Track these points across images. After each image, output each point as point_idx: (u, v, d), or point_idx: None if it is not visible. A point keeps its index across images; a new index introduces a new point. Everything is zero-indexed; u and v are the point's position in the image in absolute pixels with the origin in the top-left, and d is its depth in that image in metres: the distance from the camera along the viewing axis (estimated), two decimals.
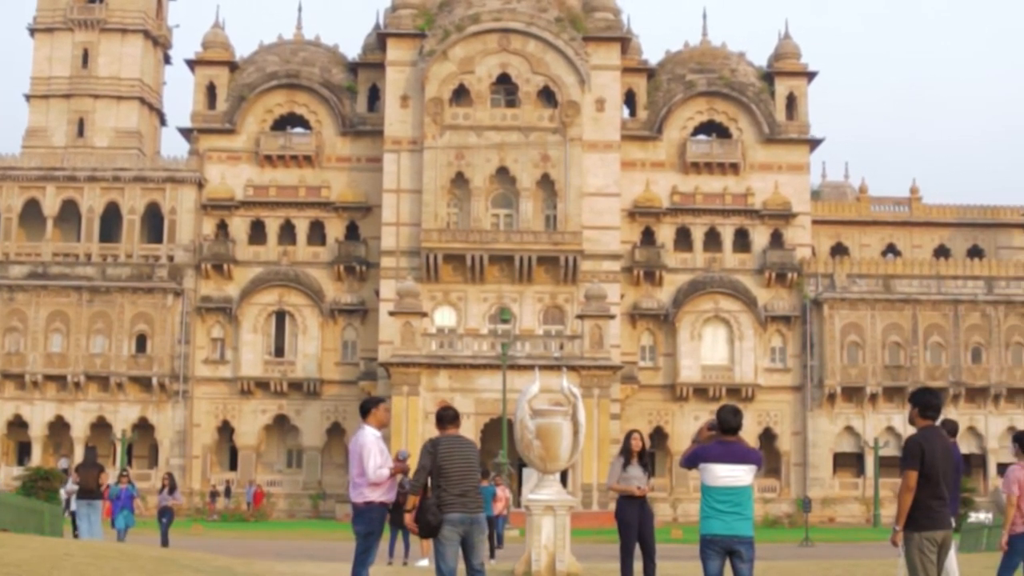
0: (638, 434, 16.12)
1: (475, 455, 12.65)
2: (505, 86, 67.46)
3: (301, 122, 71.47)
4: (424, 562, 26.47)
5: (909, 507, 10.69)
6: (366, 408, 13.54)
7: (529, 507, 17.23)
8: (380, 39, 69.23)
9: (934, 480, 10.73)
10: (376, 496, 13.22)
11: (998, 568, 13.40)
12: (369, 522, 13.26)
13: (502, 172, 66.33)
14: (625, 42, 69.13)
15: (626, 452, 15.86)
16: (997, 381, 68.21)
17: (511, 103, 67.34)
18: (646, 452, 16.02)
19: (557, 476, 17.54)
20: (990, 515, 51.66)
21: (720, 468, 11.29)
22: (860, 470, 68.40)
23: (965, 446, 66.72)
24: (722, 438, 11.51)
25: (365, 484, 13.16)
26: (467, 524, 12.37)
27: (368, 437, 13.22)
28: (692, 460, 11.55)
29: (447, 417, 12.75)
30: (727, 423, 11.49)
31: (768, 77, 71.88)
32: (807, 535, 46.34)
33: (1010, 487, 13.28)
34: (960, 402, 67.90)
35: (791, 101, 71.26)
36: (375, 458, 13.14)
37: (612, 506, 15.94)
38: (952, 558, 13.99)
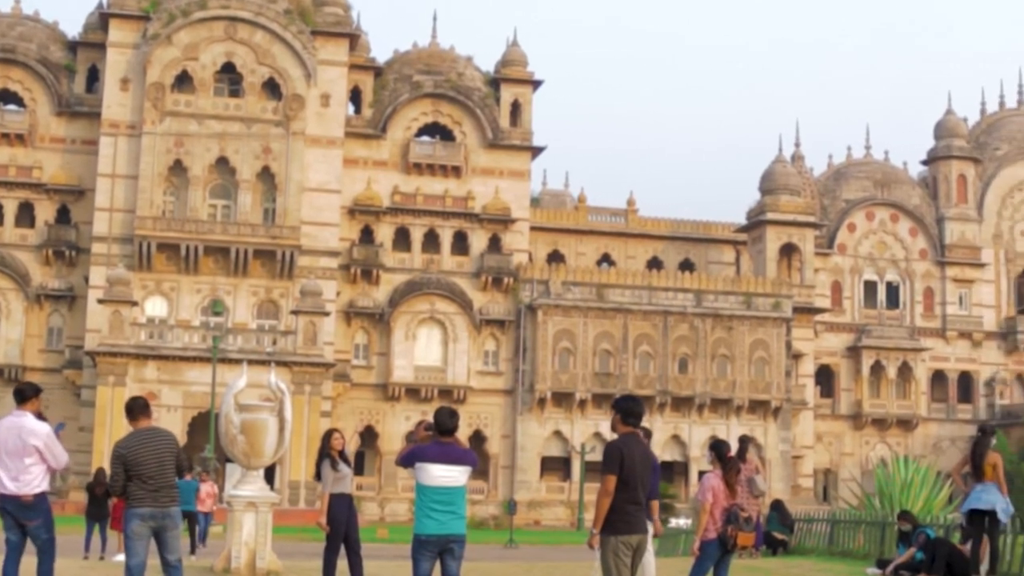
0: (339, 433, 16.18)
1: (169, 448, 12.20)
2: (230, 75, 67.87)
3: (14, 99, 70.09)
4: (121, 557, 26.56)
5: (607, 511, 10.95)
6: (26, 395, 12.67)
7: (231, 503, 17.23)
8: (103, 19, 68.61)
9: (632, 486, 11.02)
10: (38, 486, 12.47)
11: (689, 572, 14.00)
12: (46, 512, 12.61)
13: (222, 162, 66.63)
14: (354, 39, 70.19)
15: (327, 452, 15.88)
16: (702, 391, 71.35)
17: (235, 93, 67.71)
18: (346, 450, 16.20)
19: (261, 472, 17.53)
20: (689, 521, 54.03)
21: (436, 468, 11.54)
22: (567, 474, 70.63)
23: (669, 454, 69.70)
24: (439, 439, 11.76)
25: (40, 474, 12.43)
26: (159, 519, 12.05)
27: (44, 426, 12.52)
28: (408, 459, 11.77)
29: (137, 408, 12.28)
30: (443, 424, 11.73)
31: (495, 83, 73.94)
32: (512, 537, 47.76)
33: (704, 494, 13.81)
34: (666, 411, 70.90)
35: (516, 108, 73.48)
36: (59, 444, 12.60)
37: (319, 504, 16.05)
38: (651, 561, 14.81)
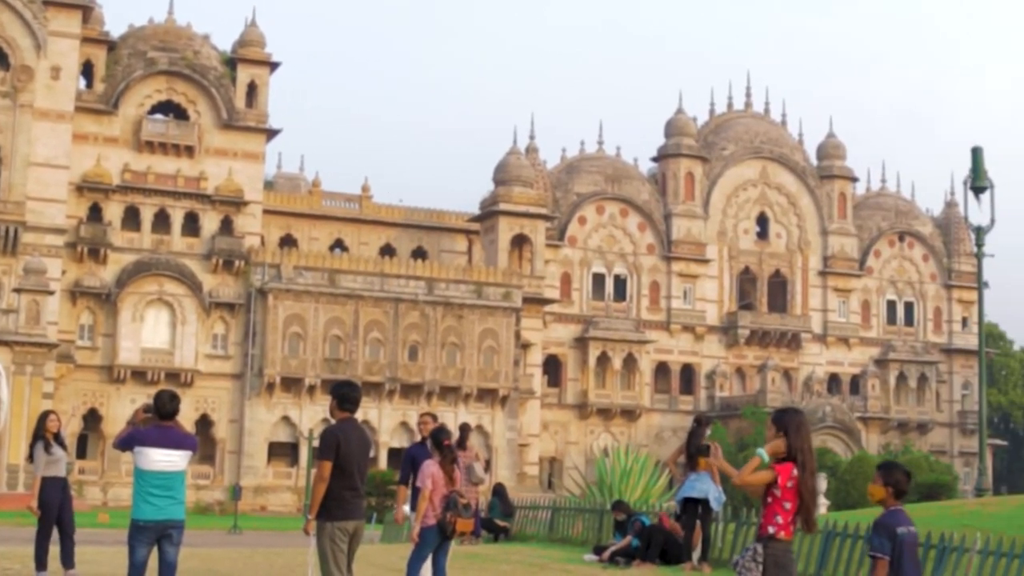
0: (54, 415, 16.10)
1: None
2: None
3: None
4: None
5: (323, 497, 11.05)
6: None
7: None
8: None
9: (348, 472, 11.08)
10: None
11: (409, 559, 14.16)
12: None
13: None
14: (87, 11, 69.58)
15: (41, 435, 15.80)
16: (431, 379, 72.87)
17: None
18: (62, 433, 16.10)
19: None
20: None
21: (155, 452, 11.46)
22: (294, 460, 71.18)
23: (397, 440, 70.81)
24: (159, 423, 11.67)
25: None
26: None
27: None
28: (127, 443, 11.63)
29: None
30: (164, 408, 11.68)
31: (232, 63, 74.07)
32: (236, 523, 48.23)
33: (424, 481, 13.90)
34: (395, 398, 72.03)
35: (252, 89, 73.80)
36: None
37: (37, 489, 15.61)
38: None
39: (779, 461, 8.71)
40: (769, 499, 8.68)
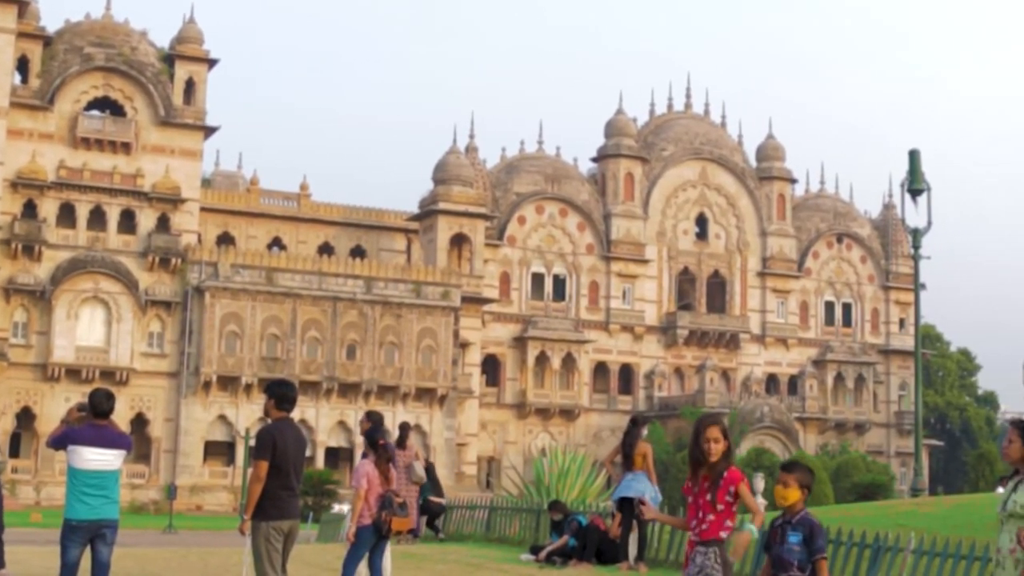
0: None
1: None
2: None
3: None
4: None
5: (258, 497, 11.00)
6: None
7: None
8: None
9: (285, 471, 11.05)
10: None
11: (344, 558, 14.18)
12: None
13: None
14: (23, 5, 69.46)
15: None
16: (369, 378, 72.81)
17: None
18: None
19: None
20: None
21: (90, 451, 11.39)
22: (231, 459, 70.93)
23: (335, 440, 70.67)
24: (93, 421, 11.60)
25: None
26: None
27: None
28: (61, 441, 11.57)
29: None
30: (99, 406, 11.62)
31: (169, 59, 73.53)
32: (171, 522, 48.00)
33: (359, 480, 13.91)
34: (332, 396, 71.83)
35: (190, 86, 73.49)
36: None
37: None
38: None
39: (712, 467, 8.79)
40: (721, 506, 8.75)
